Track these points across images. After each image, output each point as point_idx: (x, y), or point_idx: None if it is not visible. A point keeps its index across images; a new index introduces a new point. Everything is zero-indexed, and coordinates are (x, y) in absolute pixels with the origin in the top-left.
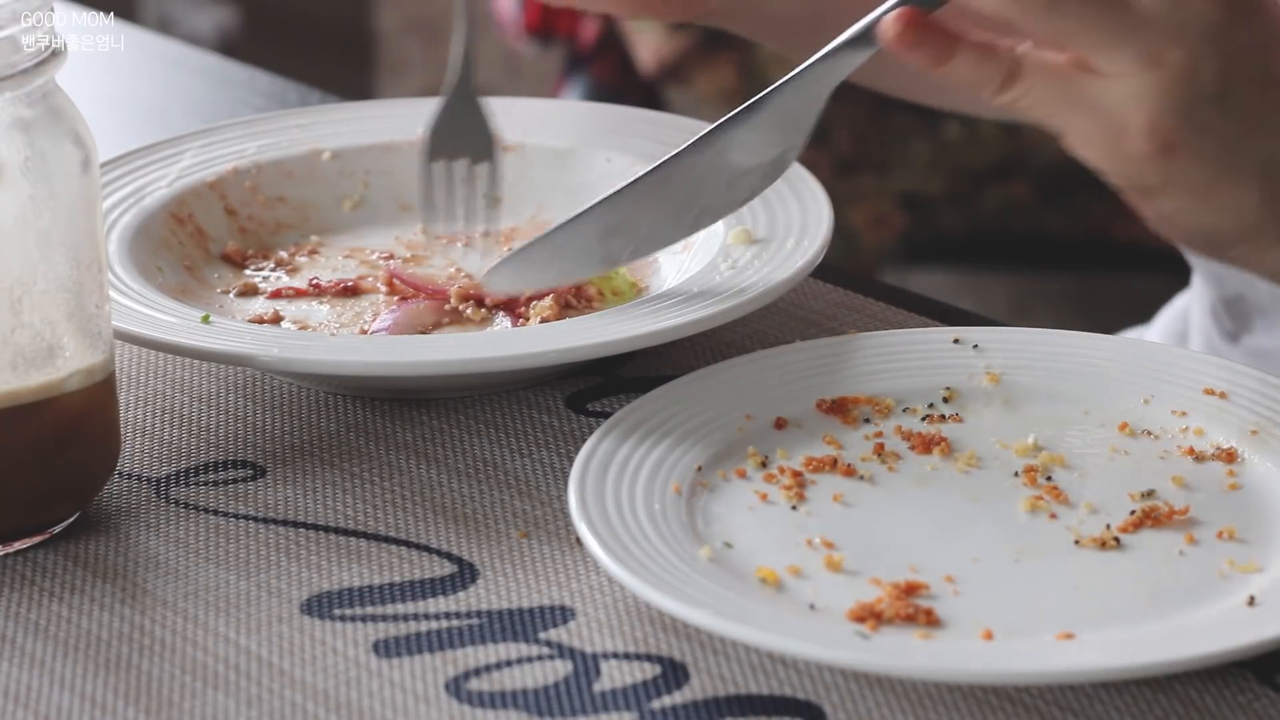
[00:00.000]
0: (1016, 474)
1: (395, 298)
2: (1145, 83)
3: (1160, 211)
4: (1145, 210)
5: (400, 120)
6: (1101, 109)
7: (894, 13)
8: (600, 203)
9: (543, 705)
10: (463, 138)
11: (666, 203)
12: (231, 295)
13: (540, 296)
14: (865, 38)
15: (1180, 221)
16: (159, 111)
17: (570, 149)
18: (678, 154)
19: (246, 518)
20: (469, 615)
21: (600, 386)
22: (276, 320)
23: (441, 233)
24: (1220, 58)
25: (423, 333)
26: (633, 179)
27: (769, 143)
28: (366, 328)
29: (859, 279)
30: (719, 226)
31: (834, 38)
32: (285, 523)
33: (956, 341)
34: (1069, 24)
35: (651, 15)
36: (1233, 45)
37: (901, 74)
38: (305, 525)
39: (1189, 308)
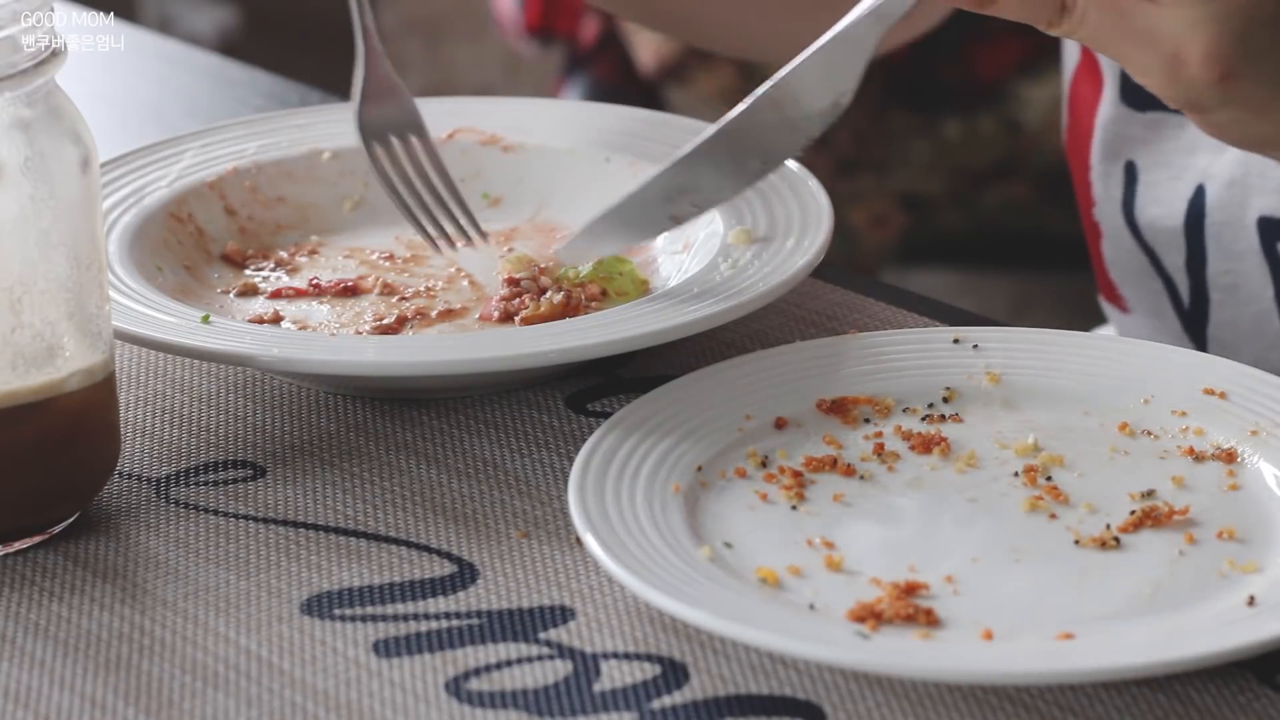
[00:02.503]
0: (1016, 474)
1: (394, 297)
2: (1203, 12)
3: (1215, 123)
4: (1199, 123)
5: None
6: (1158, 38)
7: None
8: (665, 169)
9: (543, 705)
10: (391, 119)
11: (728, 159)
12: (231, 295)
13: (540, 293)
14: None
15: (1234, 131)
16: (159, 111)
17: (570, 149)
18: (734, 115)
19: (246, 518)
20: (469, 615)
21: (600, 386)
22: (276, 320)
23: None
24: None
25: None
26: (696, 143)
27: (823, 90)
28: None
29: (859, 279)
30: (719, 226)
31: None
32: (285, 523)
33: (956, 341)
34: None
35: None
36: None
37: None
38: (305, 525)
39: None
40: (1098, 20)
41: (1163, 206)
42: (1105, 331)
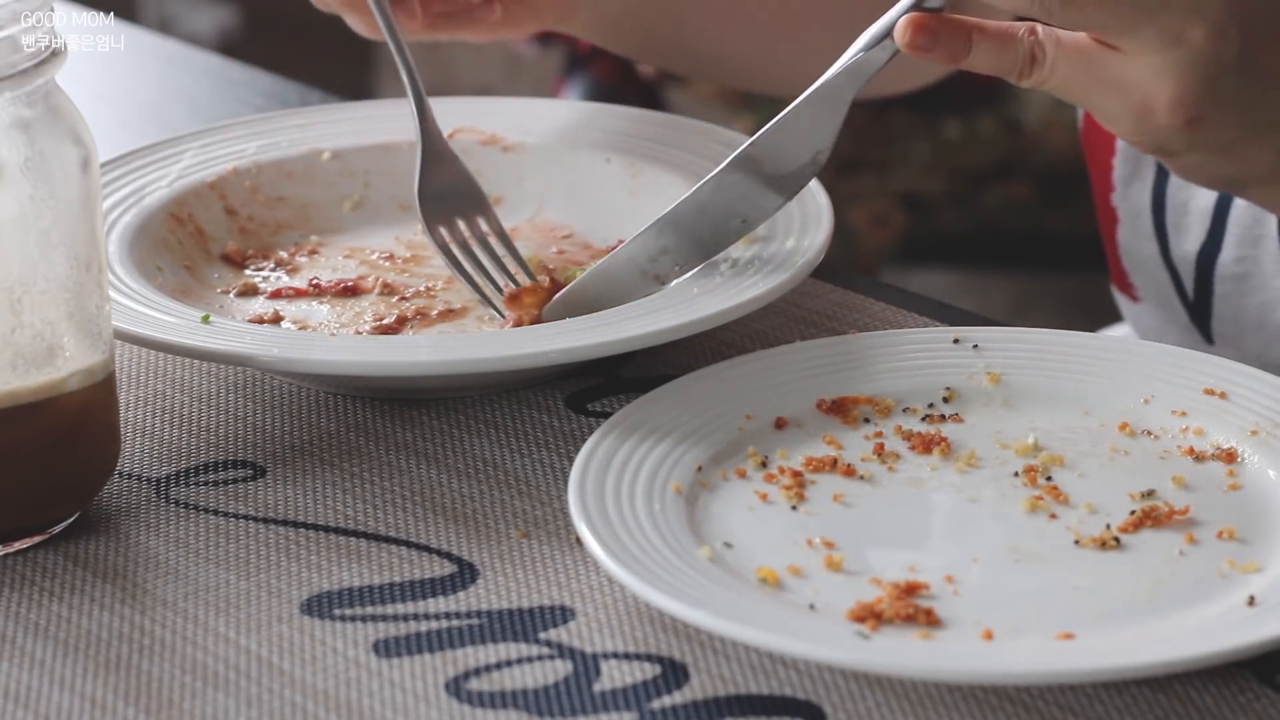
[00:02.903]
0: (1016, 474)
1: (394, 297)
2: (1168, 60)
3: (1183, 166)
4: (1169, 166)
5: (400, 120)
6: (1125, 86)
7: (905, 18)
8: (646, 230)
9: (543, 705)
10: (452, 197)
11: (708, 219)
12: (231, 295)
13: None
14: (883, 42)
15: (1203, 173)
16: (159, 111)
17: (570, 149)
18: (715, 174)
19: (246, 518)
20: (469, 615)
21: (600, 386)
22: (276, 320)
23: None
24: (1239, 25)
25: None
26: (674, 205)
27: (799, 150)
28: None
29: (859, 279)
30: None
31: (662, 36)
32: (285, 523)
33: (956, 341)
34: (1087, 15)
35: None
36: (1252, 10)
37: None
38: (305, 525)
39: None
40: (1066, 71)
41: (1198, 187)
42: (1113, 331)
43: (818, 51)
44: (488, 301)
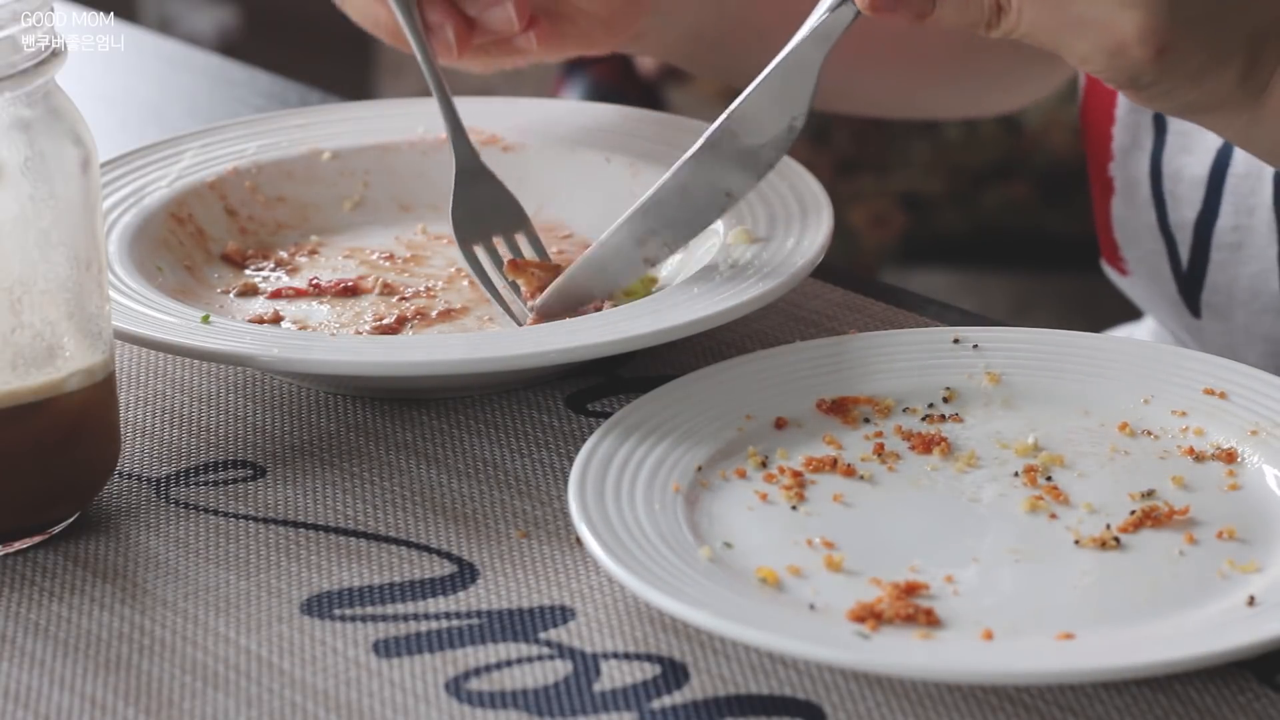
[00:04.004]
0: (1016, 474)
1: (394, 297)
2: None
3: (1149, 96)
4: (1135, 98)
5: (400, 120)
6: (1093, 23)
7: None
8: (630, 215)
9: (543, 705)
10: (489, 215)
11: (693, 196)
12: (231, 295)
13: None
14: (846, 2)
15: (1167, 101)
16: (159, 111)
17: (570, 149)
18: (694, 151)
19: (246, 518)
20: (469, 615)
21: (600, 386)
22: (276, 320)
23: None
24: None
25: None
26: (655, 186)
27: (775, 117)
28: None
29: (859, 279)
30: (719, 225)
31: (742, 51)
32: (285, 523)
33: (956, 341)
34: None
35: (581, 49)
36: None
37: (862, 90)
38: (305, 525)
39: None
40: (1033, 15)
41: (1191, 155)
42: (1119, 333)
43: (897, 73)
44: (513, 316)
